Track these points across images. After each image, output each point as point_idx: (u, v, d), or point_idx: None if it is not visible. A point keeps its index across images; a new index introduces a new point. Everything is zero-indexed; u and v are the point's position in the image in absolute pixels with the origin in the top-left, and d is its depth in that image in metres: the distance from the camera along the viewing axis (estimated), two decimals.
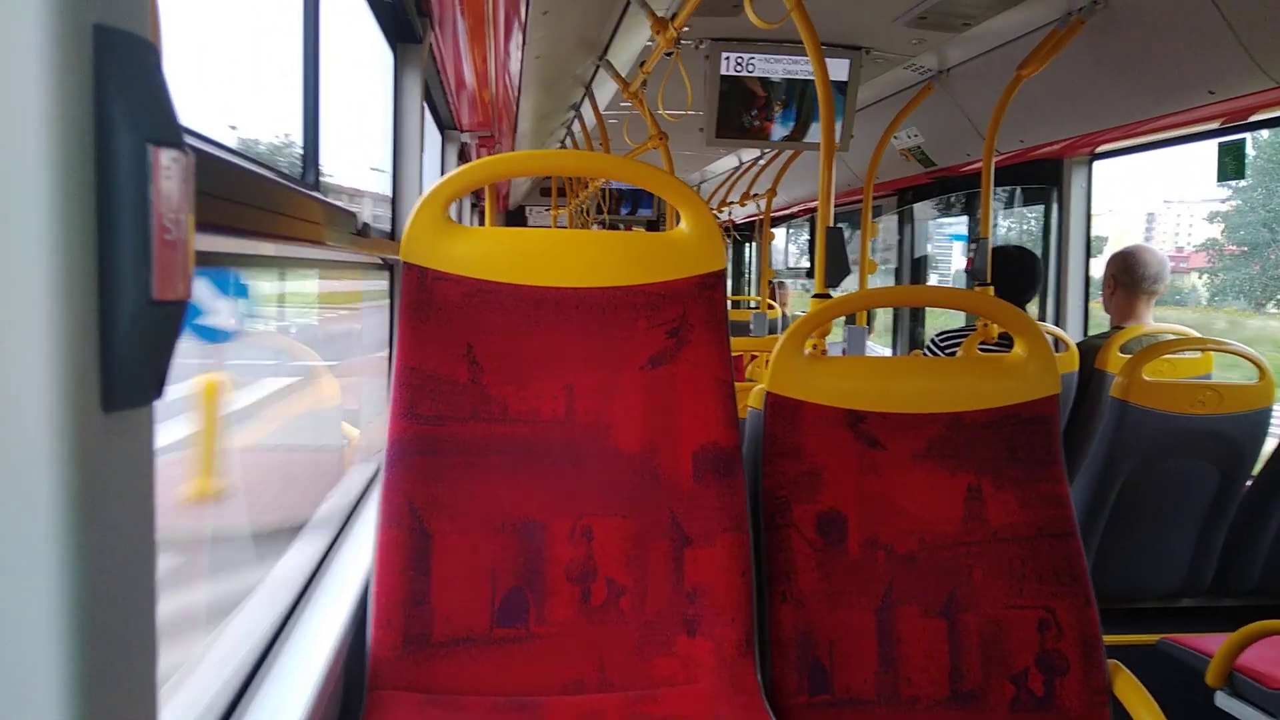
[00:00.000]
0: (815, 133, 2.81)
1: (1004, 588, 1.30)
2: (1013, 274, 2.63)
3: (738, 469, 1.25)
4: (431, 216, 1.25)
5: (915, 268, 4.44)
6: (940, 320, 4.45)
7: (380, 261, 1.80)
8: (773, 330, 4.63)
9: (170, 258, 0.38)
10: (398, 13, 1.89)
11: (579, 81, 3.41)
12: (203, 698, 0.90)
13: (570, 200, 6.71)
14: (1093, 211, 3.25)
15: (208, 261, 0.91)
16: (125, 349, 0.36)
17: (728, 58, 2.67)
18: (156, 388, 0.39)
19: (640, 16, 2.35)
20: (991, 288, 2.53)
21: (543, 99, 3.70)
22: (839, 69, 2.67)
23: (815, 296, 1.76)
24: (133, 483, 0.40)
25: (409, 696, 1.11)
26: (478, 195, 5.81)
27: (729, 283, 7.30)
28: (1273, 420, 2.14)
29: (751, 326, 4.72)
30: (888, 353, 4.59)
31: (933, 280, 4.71)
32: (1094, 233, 3.26)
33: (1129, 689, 1.25)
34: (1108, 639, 1.31)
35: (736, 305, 6.34)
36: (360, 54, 1.98)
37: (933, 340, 2.85)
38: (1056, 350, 2.55)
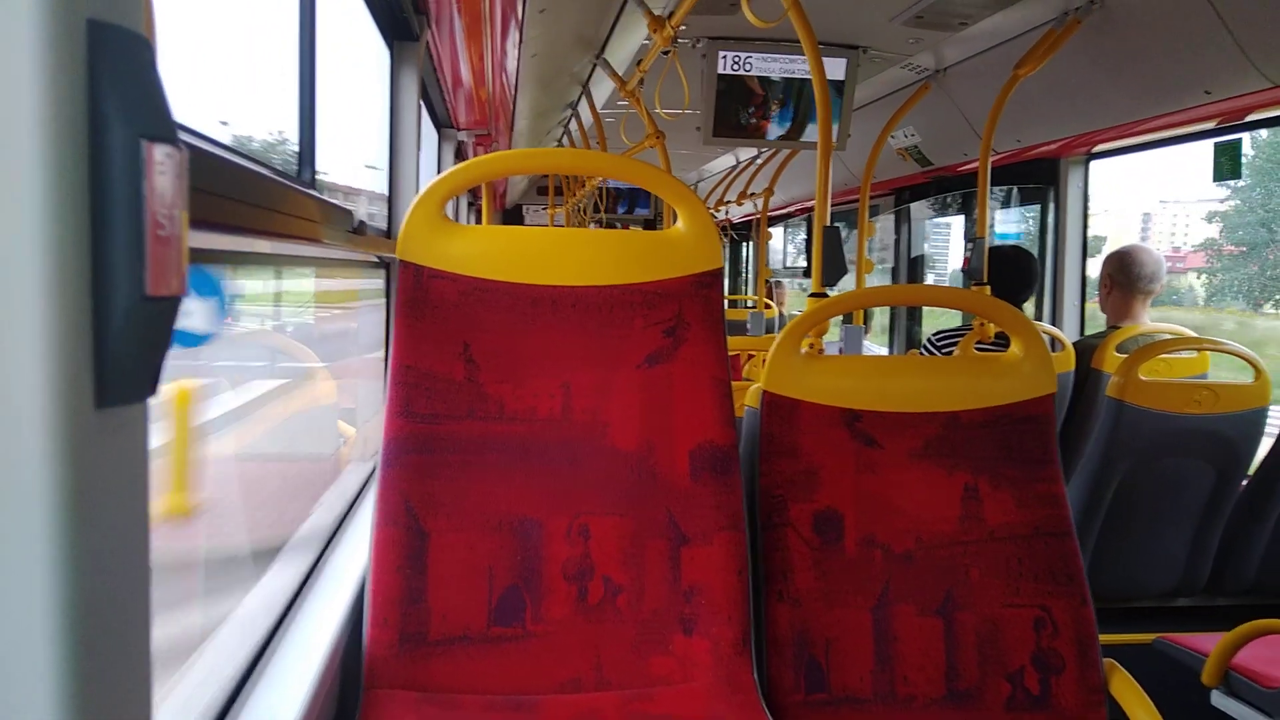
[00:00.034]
0: (812, 132, 2.81)
1: (1000, 587, 1.30)
2: (1009, 273, 2.63)
3: (734, 468, 1.25)
4: (428, 214, 1.24)
5: (912, 267, 4.44)
6: (937, 320, 4.45)
7: (376, 259, 1.80)
8: (770, 330, 4.63)
9: (164, 253, 0.38)
10: (394, 10, 1.88)
11: (576, 80, 3.41)
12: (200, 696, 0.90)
13: (567, 199, 6.70)
14: (1089, 211, 3.25)
15: (203, 259, 0.91)
16: (119, 345, 0.36)
17: (725, 56, 2.67)
18: (150, 384, 0.39)
19: (637, 15, 2.35)
20: (988, 287, 2.53)
21: (540, 97, 3.70)
22: (836, 68, 2.67)
23: (812, 296, 1.76)
24: (126, 479, 0.39)
25: (405, 695, 1.10)
26: (475, 194, 5.81)
27: (726, 282, 7.30)
28: (1269, 420, 2.15)
29: (749, 326, 4.72)
30: (884, 352, 4.59)
31: (929, 280, 4.72)
32: (1092, 232, 3.27)
33: (1125, 688, 1.25)
34: (1104, 638, 1.31)
35: (733, 304, 6.34)
36: (358, 51, 1.98)
37: (929, 340, 2.85)
38: (1053, 350, 2.56)
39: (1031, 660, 1.27)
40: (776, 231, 7.46)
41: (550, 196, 6.56)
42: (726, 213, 5.78)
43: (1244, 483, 2.19)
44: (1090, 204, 3.24)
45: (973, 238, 2.62)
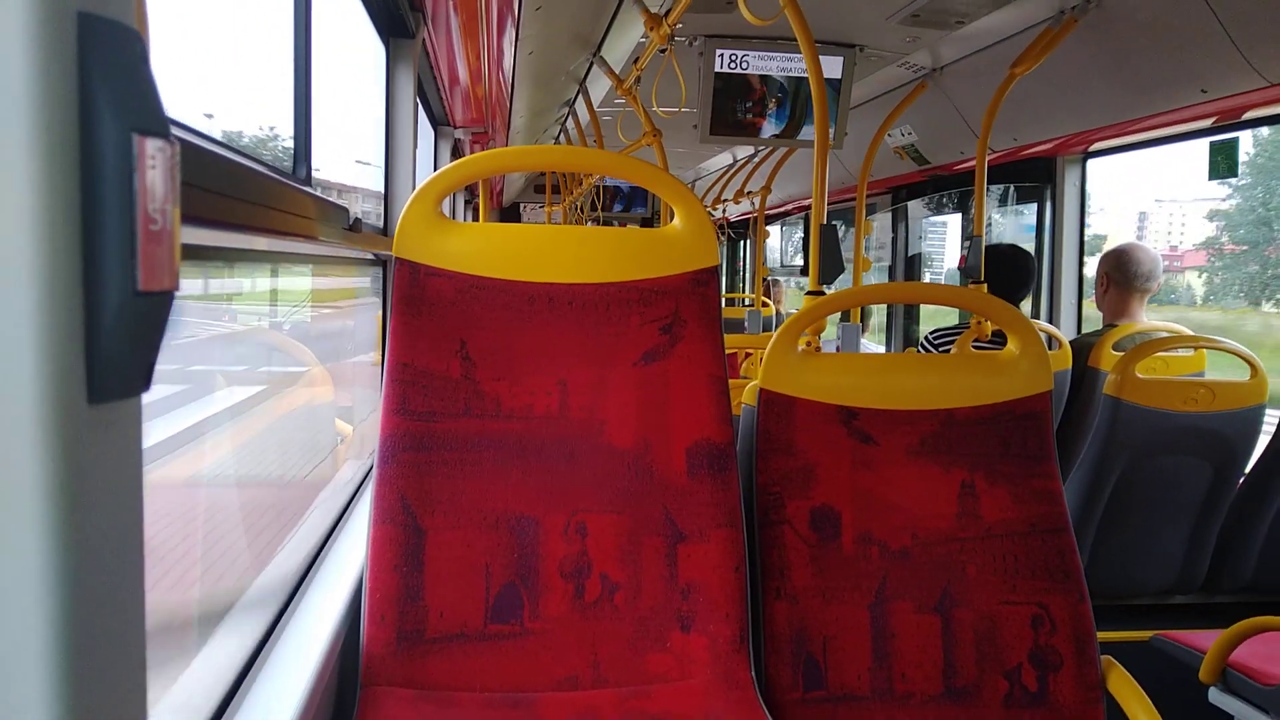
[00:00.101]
0: (809, 130, 2.81)
1: (997, 584, 1.30)
2: (1006, 271, 2.63)
3: (731, 465, 1.25)
4: (424, 212, 1.24)
5: (909, 265, 4.44)
6: (935, 319, 4.46)
7: (372, 257, 1.80)
8: (767, 328, 4.63)
9: (156, 249, 0.37)
10: (390, 7, 1.88)
11: (573, 78, 3.41)
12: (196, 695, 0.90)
13: (564, 197, 6.70)
14: (1087, 209, 3.25)
15: (198, 256, 0.91)
16: (111, 341, 0.36)
17: (721, 54, 2.67)
18: (143, 379, 0.39)
19: (634, 12, 2.35)
20: (985, 285, 2.53)
21: (536, 95, 3.69)
22: (832, 66, 2.67)
23: (809, 294, 1.76)
24: (120, 475, 0.39)
25: (403, 693, 1.10)
26: (472, 192, 5.81)
27: (723, 280, 7.31)
28: (1266, 418, 2.15)
29: (746, 324, 4.72)
30: (881, 350, 4.60)
31: (926, 278, 4.72)
32: (1093, 231, 3.27)
33: (1122, 685, 1.25)
34: (1101, 635, 1.31)
35: (731, 303, 6.34)
36: (354, 49, 1.97)
37: (926, 338, 2.85)
38: (1050, 348, 2.56)
39: (1029, 657, 1.28)
40: (774, 230, 7.46)
41: (547, 195, 6.56)
42: (724, 211, 5.78)
43: (1241, 480, 2.20)
44: (1089, 202, 3.24)
45: (970, 236, 2.62)
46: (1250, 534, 2.19)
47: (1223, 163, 2.52)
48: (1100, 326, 2.65)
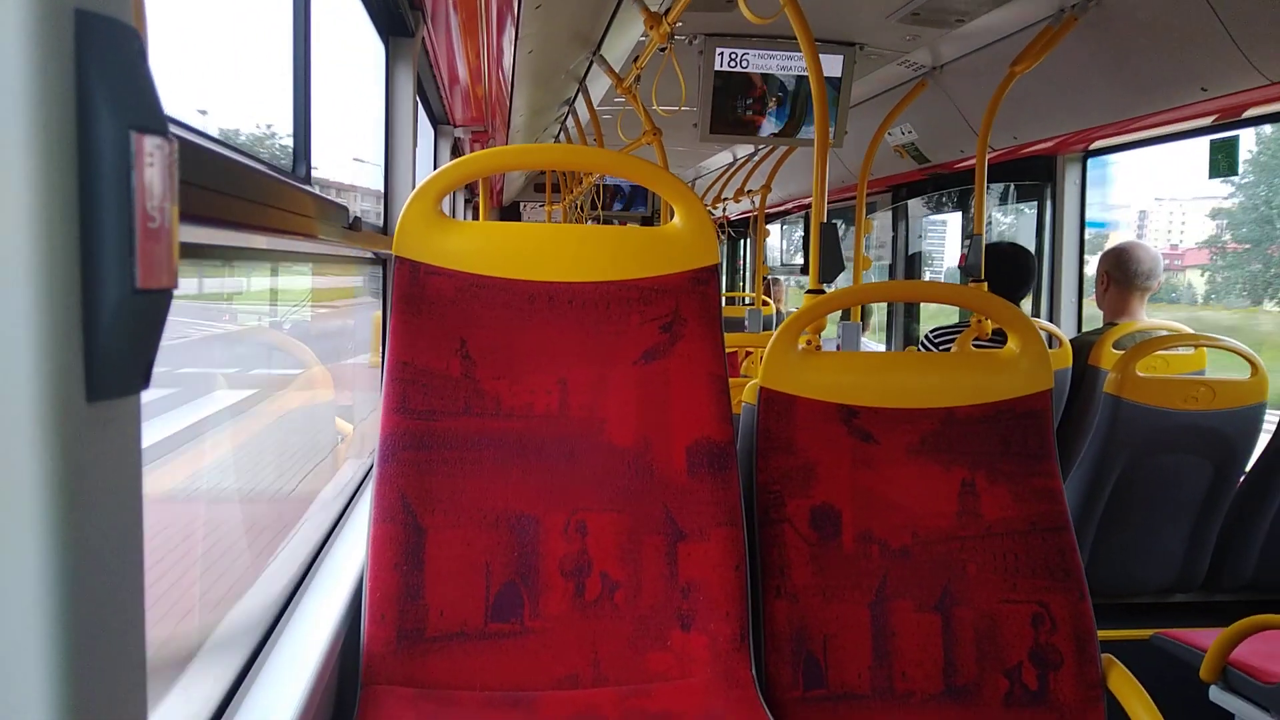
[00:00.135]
0: (809, 129, 2.81)
1: (998, 582, 1.30)
2: (1007, 270, 2.63)
3: (731, 464, 1.25)
4: (424, 210, 1.24)
5: (909, 264, 4.44)
6: (935, 318, 4.46)
7: (372, 256, 1.80)
8: (767, 327, 4.63)
9: (154, 246, 0.37)
10: (389, 6, 1.88)
11: (572, 77, 3.40)
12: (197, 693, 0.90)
13: (564, 196, 6.70)
14: (1087, 207, 3.25)
15: (197, 254, 0.91)
16: (109, 338, 0.36)
17: (721, 53, 2.67)
18: (142, 377, 0.39)
19: (634, 11, 2.34)
20: (985, 283, 2.53)
21: (536, 94, 3.69)
22: (832, 65, 2.67)
23: (809, 292, 1.76)
24: (119, 473, 0.39)
25: (403, 691, 1.10)
26: (471, 191, 5.81)
27: (723, 279, 7.31)
28: (1266, 416, 2.15)
29: (746, 323, 4.72)
30: (882, 349, 4.59)
31: (926, 277, 4.72)
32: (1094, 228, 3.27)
33: (1123, 683, 1.25)
34: (1102, 634, 1.31)
35: (731, 302, 6.34)
36: (354, 47, 1.97)
37: (926, 336, 2.85)
38: (1050, 346, 2.56)
39: (1029, 656, 1.27)
40: (774, 228, 7.46)
41: (548, 193, 6.56)
42: (724, 210, 5.78)
43: (1241, 479, 2.20)
44: (1089, 200, 3.24)
45: (970, 234, 2.62)
46: (1251, 532, 2.19)
47: (1223, 161, 2.52)
48: (1100, 325, 2.65)
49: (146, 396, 0.41)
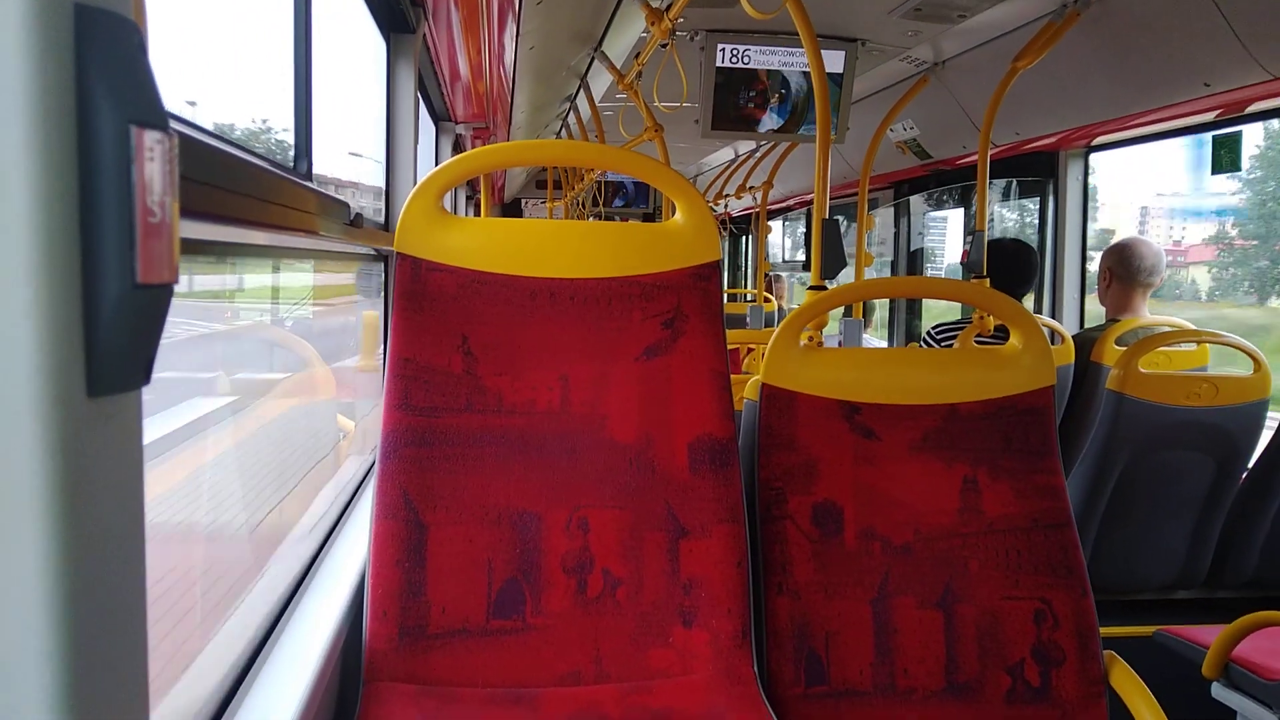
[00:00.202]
0: (811, 125, 2.80)
1: (1000, 579, 1.30)
2: (1009, 266, 2.63)
3: (733, 460, 1.25)
4: (425, 207, 1.24)
5: (911, 260, 4.44)
6: (936, 314, 4.45)
7: (374, 252, 1.80)
8: (769, 323, 4.62)
9: (155, 241, 0.37)
10: (391, 2, 1.88)
11: (574, 73, 3.40)
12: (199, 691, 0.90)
13: (566, 193, 6.70)
14: (1090, 204, 3.25)
15: (198, 250, 0.90)
16: (110, 334, 0.36)
17: (723, 49, 2.66)
18: (143, 372, 0.39)
19: (635, 8, 2.34)
20: (988, 280, 2.53)
21: (537, 90, 3.69)
22: (834, 61, 2.66)
23: (811, 288, 1.76)
24: (120, 468, 0.39)
25: (405, 688, 1.10)
26: (473, 188, 5.80)
27: (725, 275, 7.30)
28: (1269, 413, 2.15)
29: (748, 319, 4.72)
30: (884, 345, 4.59)
31: (928, 273, 4.71)
32: (1100, 226, 3.26)
33: (1125, 680, 1.25)
34: (1104, 631, 1.31)
35: (733, 298, 6.34)
36: (355, 44, 1.97)
37: (928, 333, 2.85)
38: (1052, 343, 2.56)
39: (1031, 653, 1.27)
40: (775, 225, 7.45)
41: (549, 190, 6.56)
42: (725, 206, 5.78)
43: (1244, 475, 2.19)
44: (1091, 197, 3.24)
45: (972, 231, 2.62)
46: (1253, 529, 2.19)
47: (1226, 157, 2.51)
48: (1103, 321, 2.64)
49: (148, 393, 0.41)
